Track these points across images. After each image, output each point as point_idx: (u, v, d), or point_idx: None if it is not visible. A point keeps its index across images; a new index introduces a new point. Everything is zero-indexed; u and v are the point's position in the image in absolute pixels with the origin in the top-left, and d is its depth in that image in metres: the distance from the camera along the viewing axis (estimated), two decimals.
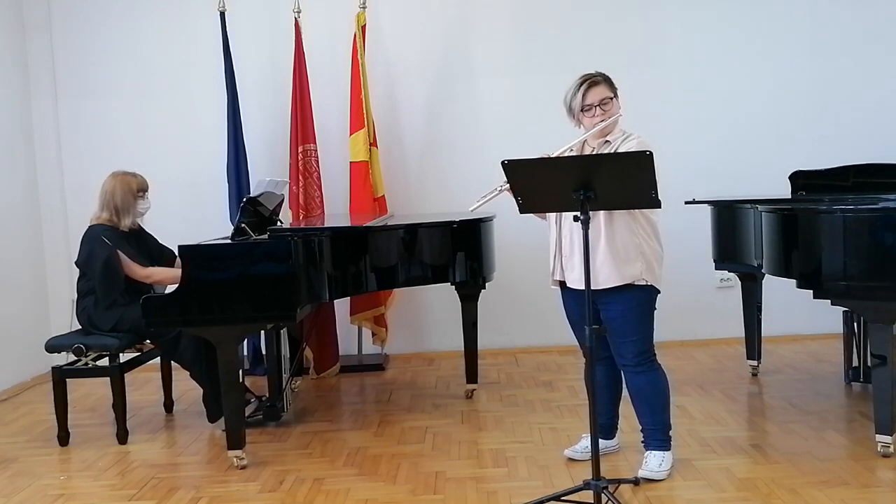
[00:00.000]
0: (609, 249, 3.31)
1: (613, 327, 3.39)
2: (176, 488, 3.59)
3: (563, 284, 3.49)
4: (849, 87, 5.76)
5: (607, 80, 3.42)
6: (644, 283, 3.34)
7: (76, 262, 4.32)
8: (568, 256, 3.39)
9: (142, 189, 4.35)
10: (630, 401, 3.51)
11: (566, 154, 3.38)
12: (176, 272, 3.92)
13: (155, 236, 4.50)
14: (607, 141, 3.40)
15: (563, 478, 3.45)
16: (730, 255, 4.57)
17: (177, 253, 3.89)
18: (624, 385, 3.56)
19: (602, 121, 3.35)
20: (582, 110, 3.39)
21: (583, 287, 3.26)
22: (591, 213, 3.27)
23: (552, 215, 3.46)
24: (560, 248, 3.43)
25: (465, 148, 5.82)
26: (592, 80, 3.39)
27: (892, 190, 4.37)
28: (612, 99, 3.39)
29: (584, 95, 3.37)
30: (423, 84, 5.84)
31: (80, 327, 4.35)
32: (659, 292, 3.42)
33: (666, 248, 3.46)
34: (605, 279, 3.33)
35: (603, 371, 3.55)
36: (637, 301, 3.36)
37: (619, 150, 3.29)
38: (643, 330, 3.39)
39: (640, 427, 3.51)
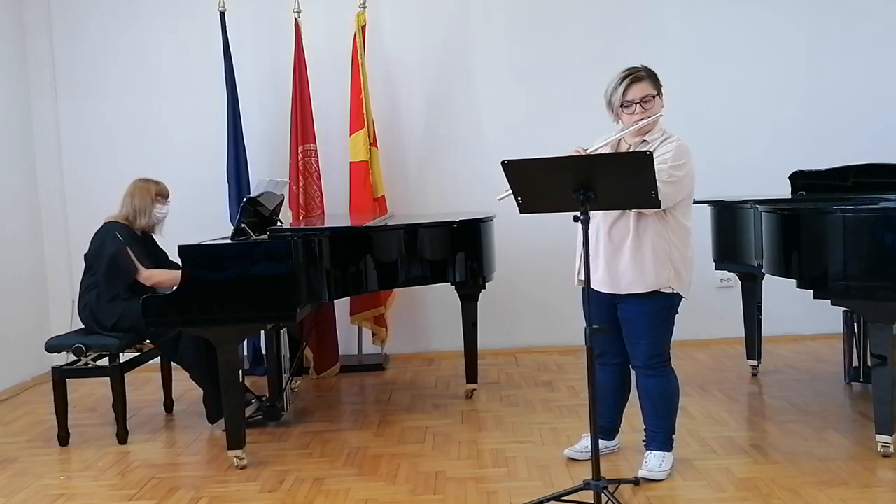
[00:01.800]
0: (635, 254, 3.25)
1: (628, 328, 3.37)
2: (176, 488, 3.59)
3: None
4: (849, 87, 5.76)
5: (651, 76, 3.31)
6: (670, 290, 3.29)
7: (85, 256, 4.35)
8: (593, 257, 3.28)
9: (160, 194, 4.42)
10: (637, 401, 3.50)
11: (601, 148, 3.31)
12: (176, 275, 3.93)
13: (166, 252, 4.52)
14: (645, 140, 3.32)
15: (563, 478, 3.45)
16: (730, 255, 4.57)
17: (177, 253, 3.88)
18: (633, 387, 3.53)
19: (641, 118, 3.27)
20: (622, 106, 3.29)
21: (605, 289, 3.25)
22: (620, 213, 3.27)
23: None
24: (586, 247, 3.40)
25: (464, 148, 5.82)
26: (636, 76, 3.27)
27: (892, 190, 4.37)
28: (654, 97, 3.28)
29: (625, 91, 3.26)
30: (423, 84, 5.84)
31: (80, 327, 4.35)
32: (683, 298, 3.37)
33: None
34: (627, 284, 3.29)
35: (611, 375, 3.54)
36: (657, 306, 3.31)
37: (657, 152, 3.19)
38: (658, 334, 3.35)
39: (644, 427, 3.51)
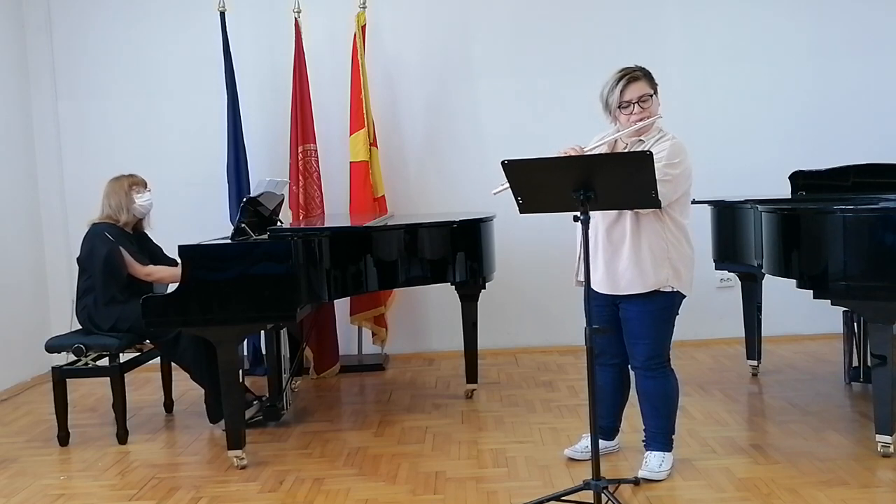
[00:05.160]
0: (634, 254, 3.25)
1: (628, 328, 3.36)
2: (176, 488, 3.59)
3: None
4: (849, 87, 5.76)
5: (647, 76, 3.30)
6: (670, 289, 3.28)
7: (77, 259, 4.33)
8: (592, 258, 3.25)
9: (134, 184, 4.35)
10: (637, 401, 3.49)
11: (599, 147, 3.30)
12: (176, 271, 3.93)
13: (161, 247, 4.51)
14: (641, 140, 3.32)
15: (563, 478, 3.45)
16: (730, 255, 4.57)
17: (177, 252, 3.89)
18: (633, 387, 3.53)
19: (640, 120, 3.25)
20: (619, 107, 3.27)
21: (605, 290, 3.25)
22: (617, 214, 3.26)
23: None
24: (586, 248, 3.39)
25: (465, 148, 5.82)
26: (632, 76, 3.26)
27: (892, 190, 4.37)
28: (651, 96, 3.27)
29: (622, 91, 3.25)
30: (423, 84, 5.84)
31: (79, 327, 4.35)
32: (685, 297, 3.36)
33: None
34: (627, 285, 3.28)
35: (610, 376, 3.53)
36: (657, 306, 3.30)
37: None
38: (658, 334, 3.34)
39: (643, 427, 3.51)
